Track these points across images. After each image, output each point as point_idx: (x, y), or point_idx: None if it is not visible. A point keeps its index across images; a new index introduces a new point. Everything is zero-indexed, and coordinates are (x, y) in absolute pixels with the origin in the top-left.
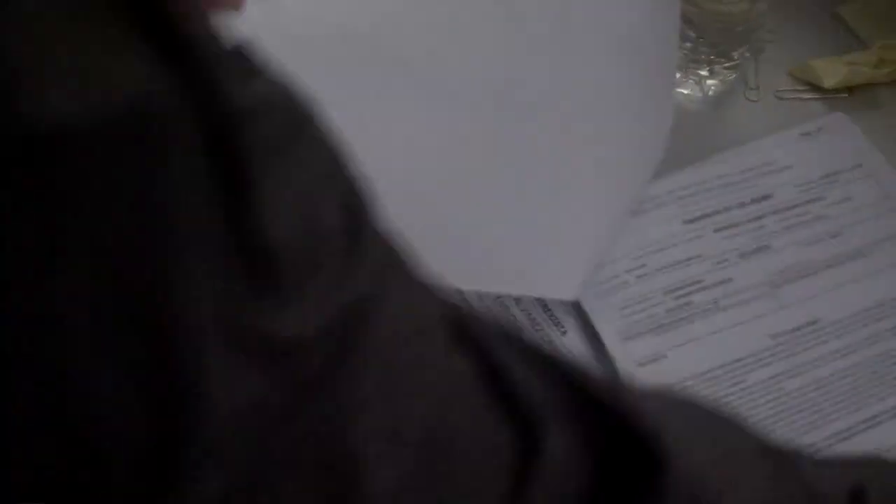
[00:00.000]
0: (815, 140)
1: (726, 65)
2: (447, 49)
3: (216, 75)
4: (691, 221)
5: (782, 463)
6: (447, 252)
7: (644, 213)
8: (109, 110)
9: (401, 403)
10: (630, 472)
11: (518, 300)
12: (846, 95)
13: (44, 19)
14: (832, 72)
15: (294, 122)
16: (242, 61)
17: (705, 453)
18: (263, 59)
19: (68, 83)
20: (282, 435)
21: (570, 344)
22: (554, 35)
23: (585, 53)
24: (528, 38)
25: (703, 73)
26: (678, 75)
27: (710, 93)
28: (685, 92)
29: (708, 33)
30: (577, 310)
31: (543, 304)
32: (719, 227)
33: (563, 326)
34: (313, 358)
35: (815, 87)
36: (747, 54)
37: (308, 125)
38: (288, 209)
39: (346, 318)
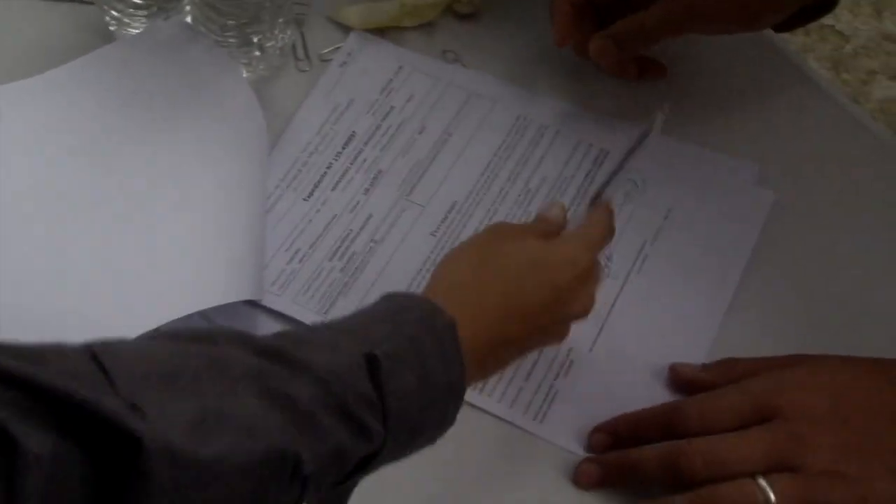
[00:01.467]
0: (353, 65)
1: (271, 42)
2: None
3: None
4: (309, 196)
5: (280, 354)
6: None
7: (272, 210)
8: None
9: None
10: (120, 454)
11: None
12: (380, 38)
13: None
14: (354, 13)
15: None
16: None
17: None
18: None
19: None
20: None
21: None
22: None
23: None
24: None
25: (256, 54)
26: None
27: (265, 73)
28: (243, 75)
29: (240, 15)
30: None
31: None
32: (334, 185)
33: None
34: None
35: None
36: (289, 29)
37: None
38: None
39: None
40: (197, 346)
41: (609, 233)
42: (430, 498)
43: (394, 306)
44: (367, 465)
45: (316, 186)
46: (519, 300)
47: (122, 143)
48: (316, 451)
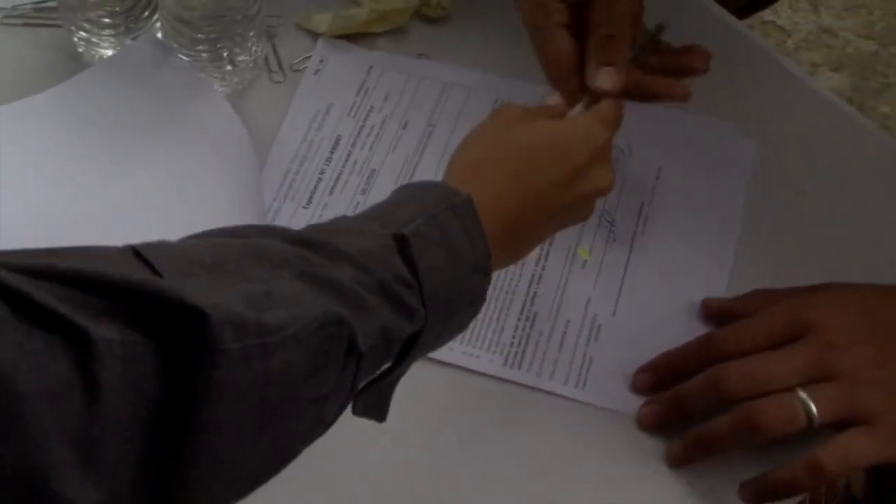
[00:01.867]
0: (326, 72)
1: (243, 56)
2: None
3: None
4: (309, 203)
5: (312, 242)
6: None
7: (274, 222)
8: None
9: None
10: (185, 331)
11: None
12: (350, 45)
13: None
14: (324, 20)
15: None
16: None
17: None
18: None
19: None
20: None
21: None
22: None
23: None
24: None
25: (228, 68)
26: (202, 76)
27: (239, 86)
28: (217, 90)
29: (211, 30)
30: None
31: None
32: (331, 190)
33: None
34: None
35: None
36: (260, 42)
37: None
38: None
39: None
40: (233, 239)
41: (620, 115)
42: (479, 474)
43: (409, 194)
44: (409, 350)
45: (313, 193)
46: (536, 179)
47: (107, 168)
48: (367, 329)
